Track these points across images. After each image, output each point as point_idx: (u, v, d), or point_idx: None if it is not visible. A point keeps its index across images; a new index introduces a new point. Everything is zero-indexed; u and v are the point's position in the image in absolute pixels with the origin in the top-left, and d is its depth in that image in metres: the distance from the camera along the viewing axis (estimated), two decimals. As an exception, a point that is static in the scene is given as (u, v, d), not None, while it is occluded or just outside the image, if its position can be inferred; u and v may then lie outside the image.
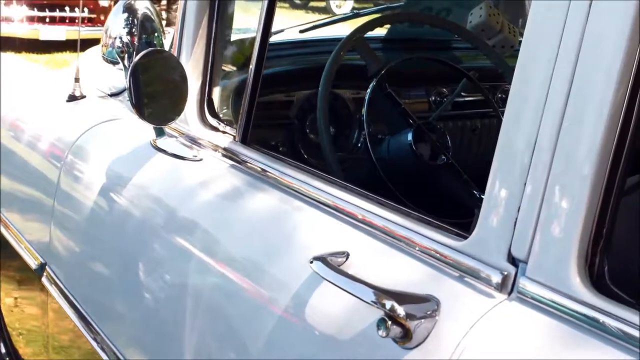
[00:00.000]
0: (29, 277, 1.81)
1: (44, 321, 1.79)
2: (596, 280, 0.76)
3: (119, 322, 1.42)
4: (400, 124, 1.57)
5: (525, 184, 0.80)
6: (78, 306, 1.52)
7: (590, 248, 0.75)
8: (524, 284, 0.80)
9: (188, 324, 1.19)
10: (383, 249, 0.95)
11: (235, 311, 1.11)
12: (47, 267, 1.69)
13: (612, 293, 0.75)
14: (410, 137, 1.52)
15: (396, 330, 0.82)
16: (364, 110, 1.54)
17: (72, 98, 1.79)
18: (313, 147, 1.68)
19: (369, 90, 1.53)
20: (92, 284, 1.55)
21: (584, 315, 0.74)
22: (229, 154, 1.29)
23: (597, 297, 0.74)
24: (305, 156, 1.69)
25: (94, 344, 1.43)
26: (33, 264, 1.74)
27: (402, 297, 0.84)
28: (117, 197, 1.45)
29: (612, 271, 0.76)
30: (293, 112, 1.74)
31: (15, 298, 2.12)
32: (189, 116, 1.38)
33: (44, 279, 1.69)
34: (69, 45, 7.26)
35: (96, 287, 1.54)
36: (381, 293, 0.84)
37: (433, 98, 1.93)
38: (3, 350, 2.56)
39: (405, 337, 0.83)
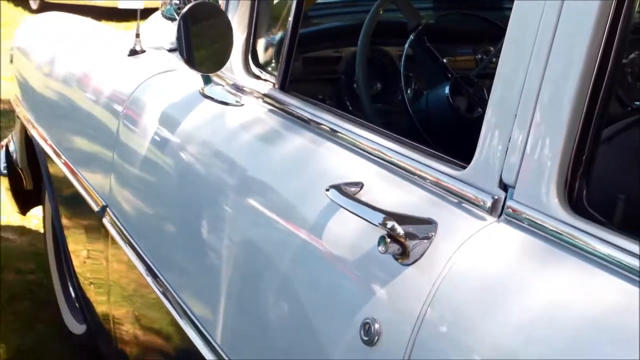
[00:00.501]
0: (93, 223, 1.96)
1: (106, 267, 1.94)
2: (574, 202, 0.83)
3: (177, 269, 1.53)
4: (439, 77, 1.65)
5: (515, 118, 0.87)
6: (137, 247, 1.64)
7: (570, 175, 0.83)
8: (511, 206, 0.88)
9: (238, 268, 1.29)
10: (394, 179, 1.04)
11: (271, 242, 1.21)
12: (107, 209, 1.83)
13: (588, 214, 0.82)
14: (447, 90, 1.60)
15: (395, 247, 0.91)
16: (402, 64, 1.62)
17: (133, 53, 1.92)
18: (358, 100, 1.77)
19: (407, 45, 1.61)
20: (149, 227, 1.68)
21: (562, 232, 0.82)
22: (268, 99, 1.39)
23: (574, 217, 0.81)
24: (350, 108, 1.78)
25: (157, 291, 1.54)
26: (95, 206, 1.89)
27: (402, 219, 0.93)
28: (169, 142, 1.57)
29: (590, 195, 0.83)
30: (341, 67, 1.83)
31: (88, 250, 2.28)
32: (234, 65, 1.49)
33: (104, 220, 1.83)
34: (147, 14, 7.46)
35: (153, 230, 1.66)
36: (385, 215, 0.93)
37: (479, 56, 1.98)
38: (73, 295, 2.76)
39: (403, 254, 0.92)
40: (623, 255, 0.75)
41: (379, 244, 0.91)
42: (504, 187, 0.89)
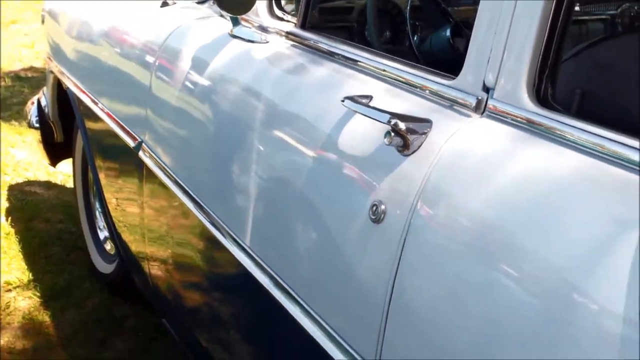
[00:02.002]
0: (129, 160, 2.16)
1: (141, 204, 2.14)
2: (542, 98, 1.03)
3: (214, 194, 1.71)
4: (441, 22, 1.85)
5: (494, 35, 1.08)
6: (175, 177, 1.84)
7: (537, 77, 1.03)
8: (492, 105, 1.08)
9: (272, 184, 1.47)
10: (398, 92, 1.25)
11: (297, 153, 1.41)
12: (143, 144, 2.04)
13: (553, 107, 1.02)
14: (448, 32, 1.80)
15: (397, 140, 1.12)
16: (408, 13, 1.82)
17: (165, 4, 2.12)
18: (369, 46, 1.97)
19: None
20: (186, 158, 1.87)
21: (532, 121, 1.02)
22: (290, 36, 1.60)
23: (541, 109, 1.02)
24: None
25: (198, 215, 1.71)
26: (132, 142, 2.10)
27: (404, 117, 1.13)
28: (201, 78, 1.77)
29: (554, 92, 1.03)
30: (353, 16, 2.03)
31: (123, 189, 2.48)
32: (259, 9, 1.69)
33: (140, 154, 2.04)
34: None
35: (189, 161, 1.85)
36: (390, 115, 1.14)
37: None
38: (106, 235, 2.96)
39: (404, 147, 1.13)
40: (580, 133, 0.95)
41: (385, 137, 1.12)
42: (486, 90, 1.10)
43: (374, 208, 1.14)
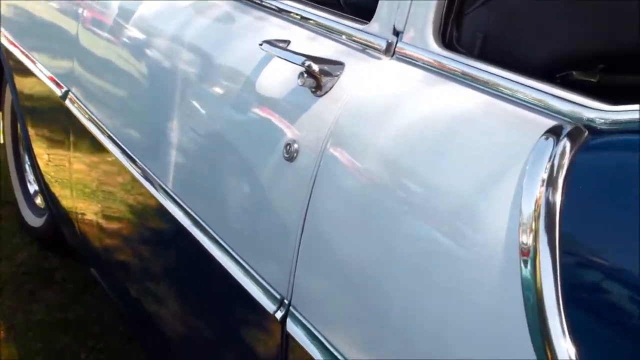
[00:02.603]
0: (56, 109, 2.16)
1: (69, 157, 2.15)
2: (447, 42, 1.08)
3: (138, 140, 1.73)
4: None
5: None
6: (102, 125, 1.85)
7: (443, 22, 1.08)
8: (400, 48, 1.13)
9: (200, 127, 1.48)
10: (314, 36, 1.29)
11: (219, 98, 1.45)
12: (70, 93, 2.04)
13: (457, 50, 1.08)
14: None
15: (310, 81, 1.16)
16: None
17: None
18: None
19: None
20: (113, 108, 1.88)
21: (437, 63, 1.07)
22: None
23: (446, 51, 1.07)
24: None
25: (129, 166, 1.73)
26: (59, 92, 2.10)
27: (318, 60, 1.17)
28: (126, 30, 1.79)
29: (459, 36, 1.09)
30: None
31: (45, 151, 2.48)
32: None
33: (67, 103, 2.04)
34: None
35: (117, 110, 1.87)
36: (304, 57, 1.18)
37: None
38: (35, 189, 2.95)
39: (317, 87, 1.17)
40: (481, 74, 1.00)
41: (298, 78, 1.16)
42: (396, 33, 1.14)
43: (288, 147, 1.19)
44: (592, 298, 0.77)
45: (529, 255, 0.80)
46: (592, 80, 1.17)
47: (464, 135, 0.99)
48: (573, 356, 0.73)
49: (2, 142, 3.33)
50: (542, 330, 0.76)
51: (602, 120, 0.84)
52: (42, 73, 2.23)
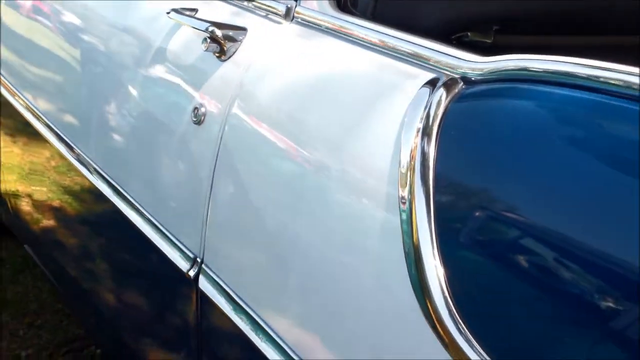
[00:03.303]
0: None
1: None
2: (342, 5, 1.13)
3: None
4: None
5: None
6: (25, 100, 1.87)
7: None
8: (299, 11, 1.17)
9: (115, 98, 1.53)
10: (222, 4, 1.33)
11: (127, 63, 1.48)
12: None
13: (352, 12, 1.12)
14: None
15: (214, 46, 1.20)
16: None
17: None
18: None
19: None
20: (30, 77, 1.90)
21: (334, 26, 1.12)
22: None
23: (341, 14, 1.11)
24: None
25: (53, 140, 1.77)
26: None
27: (222, 25, 1.21)
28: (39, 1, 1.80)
29: (354, 1, 1.13)
30: None
31: None
32: None
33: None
34: None
35: (33, 80, 1.89)
36: (208, 23, 1.21)
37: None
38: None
39: (221, 52, 1.21)
40: (372, 34, 1.05)
41: (202, 43, 1.20)
42: (295, -2, 1.19)
43: (195, 111, 1.22)
44: (468, 244, 0.82)
45: (405, 205, 0.85)
46: (487, 41, 1.23)
47: (354, 91, 1.03)
48: (449, 301, 0.78)
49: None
50: (420, 279, 0.81)
51: (476, 71, 0.89)
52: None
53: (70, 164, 1.66)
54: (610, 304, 0.67)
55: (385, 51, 1.02)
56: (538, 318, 0.73)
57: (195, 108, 1.23)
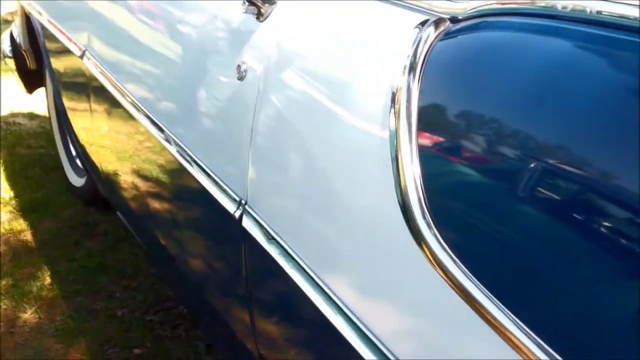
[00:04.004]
0: (78, 74, 2.38)
1: (90, 112, 2.36)
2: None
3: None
4: None
5: None
6: (114, 80, 2.06)
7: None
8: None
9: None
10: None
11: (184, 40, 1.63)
12: (87, 51, 2.26)
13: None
14: None
15: (252, 8, 1.33)
16: None
17: None
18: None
19: None
20: (122, 62, 2.09)
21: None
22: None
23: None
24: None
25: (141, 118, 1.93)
26: (78, 52, 2.32)
27: (258, -6, 1.35)
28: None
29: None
30: None
31: (74, 111, 2.70)
32: None
33: (85, 61, 2.26)
34: None
35: (125, 65, 2.08)
36: (248, -10, 1.35)
37: None
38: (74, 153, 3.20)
39: (259, 14, 1.34)
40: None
41: (242, 5, 1.34)
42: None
43: (239, 68, 1.36)
44: (439, 155, 0.91)
45: (393, 124, 0.96)
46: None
47: (367, 40, 1.14)
48: (430, 222, 0.88)
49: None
50: (400, 183, 0.92)
51: (461, 12, 0.99)
52: (62, 34, 2.46)
53: (155, 140, 1.81)
54: (563, 204, 0.77)
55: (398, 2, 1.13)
56: (495, 217, 0.83)
57: (238, 66, 1.37)
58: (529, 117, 0.83)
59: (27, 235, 2.99)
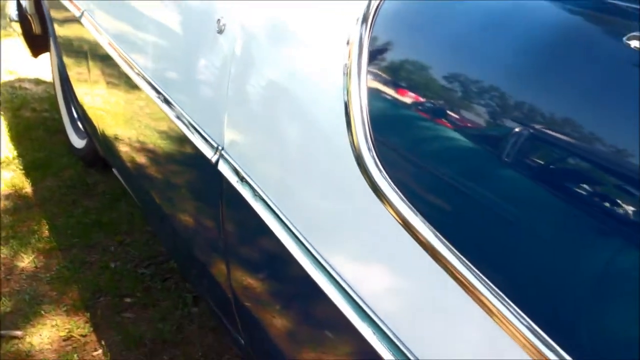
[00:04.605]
0: (77, 37, 2.48)
1: (88, 74, 2.46)
2: None
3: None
4: None
5: None
6: (110, 40, 2.16)
7: None
8: None
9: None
10: None
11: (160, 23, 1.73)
12: (85, 12, 2.36)
13: None
14: None
15: (231, -35, 1.43)
16: None
17: None
18: None
19: None
20: (120, 24, 2.18)
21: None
22: None
23: None
24: None
25: (139, 81, 1.99)
26: (77, 13, 2.42)
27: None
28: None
29: None
30: None
31: (76, 75, 2.80)
32: None
33: (83, 21, 2.36)
34: None
35: (123, 26, 2.17)
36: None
37: None
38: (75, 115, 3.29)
39: (238, -29, 1.43)
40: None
41: (220, -37, 1.43)
42: None
43: (218, 22, 1.46)
44: (386, 90, 1.01)
45: (347, 69, 1.05)
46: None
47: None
48: (377, 162, 0.98)
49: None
50: (348, 120, 1.02)
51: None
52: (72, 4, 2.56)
53: (151, 101, 1.90)
54: (493, 140, 0.86)
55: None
56: (435, 156, 0.93)
57: (218, 20, 1.46)
58: (463, 62, 0.93)
59: (29, 192, 3.10)
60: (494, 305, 0.78)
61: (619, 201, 0.68)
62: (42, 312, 2.31)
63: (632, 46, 0.68)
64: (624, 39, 0.69)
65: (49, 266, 2.57)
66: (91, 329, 2.24)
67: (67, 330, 2.23)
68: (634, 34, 0.68)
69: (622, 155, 0.69)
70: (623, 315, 0.66)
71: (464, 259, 0.83)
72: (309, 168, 1.18)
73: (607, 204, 0.69)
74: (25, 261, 2.59)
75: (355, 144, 1.01)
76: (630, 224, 0.66)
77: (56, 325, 2.26)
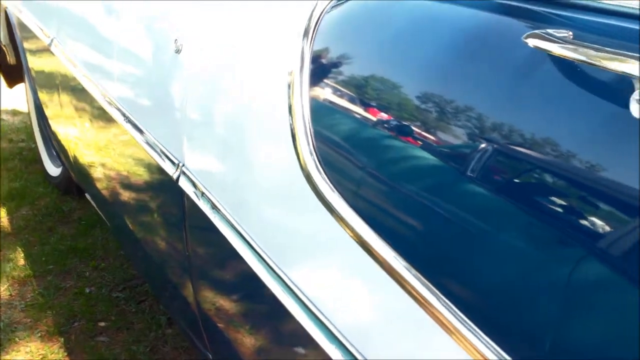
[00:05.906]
0: (49, 65, 2.51)
1: (58, 97, 2.49)
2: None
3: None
4: None
5: None
6: (74, 61, 2.19)
7: None
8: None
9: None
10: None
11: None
12: (55, 40, 2.39)
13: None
14: None
15: (186, -14, 1.46)
16: None
17: None
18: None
19: None
20: (84, 46, 2.22)
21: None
22: None
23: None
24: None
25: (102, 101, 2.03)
26: (47, 40, 2.45)
27: (192, -30, 1.47)
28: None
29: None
30: None
31: (49, 104, 2.83)
32: None
33: (53, 49, 2.39)
34: None
35: (86, 47, 2.20)
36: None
37: None
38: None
39: (193, -9, 1.47)
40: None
41: (176, -15, 1.46)
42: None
43: (176, 42, 1.49)
44: (327, 93, 1.04)
45: (291, 77, 1.09)
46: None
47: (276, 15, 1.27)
48: (318, 163, 1.01)
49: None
50: (292, 124, 1.05)
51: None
52: (35, 27, 2.59)
53: (111, 120, 1.94)
54: (432, 140, 0.89)
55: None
56: (374, 158, 0.96)
57: (175, 40, 1.49)
58: (398, 67, 0.96)
59: (4, 222, 3.11)
60: (449, 322, 0.77)
61: (540, 199, 0.70)
62: (17, 339, 2.32)
63: (530, 45, 0.71)
64: (522, 38, 0.72)
65: (23, 293, 2.57)
66: (65, 353, 2.24)
67: (41, 356, 2.23)
68: (531, 32, 0.71)
69: (532, 152, 0.71)
70: (579, 326, 0.65)
71: (416, 270, 0.83)
72: (262, 184, 1.20)
73: (527, 202, 0.72)
74: (0, 289, 2.59)
75: (302, 159, 1.03)
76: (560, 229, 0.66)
77: (30, 351, 2.26)
